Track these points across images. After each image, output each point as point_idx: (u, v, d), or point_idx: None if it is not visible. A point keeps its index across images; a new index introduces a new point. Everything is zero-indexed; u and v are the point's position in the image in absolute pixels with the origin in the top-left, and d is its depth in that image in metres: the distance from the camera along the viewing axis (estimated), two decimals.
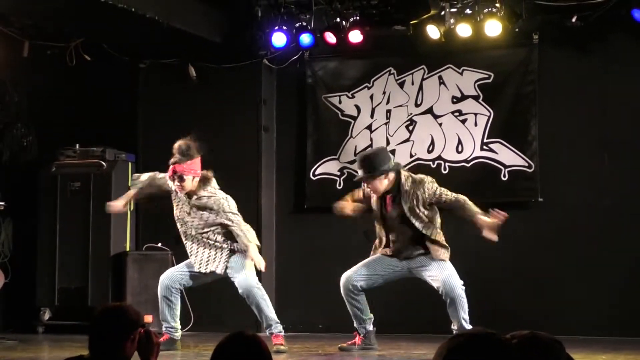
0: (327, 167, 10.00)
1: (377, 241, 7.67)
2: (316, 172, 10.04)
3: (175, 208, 7.75)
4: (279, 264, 10.11)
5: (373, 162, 7.42)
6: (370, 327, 7.66)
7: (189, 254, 7.73)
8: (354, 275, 7.54)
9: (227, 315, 9.38)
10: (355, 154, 9.62)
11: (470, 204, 7.31)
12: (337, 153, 9.99)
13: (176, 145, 7.59)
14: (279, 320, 7.69)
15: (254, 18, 9.86)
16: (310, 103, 10.16)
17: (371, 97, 9.90)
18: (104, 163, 9.95)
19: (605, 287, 9.01)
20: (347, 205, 7.70)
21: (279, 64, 10.20)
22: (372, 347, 7.65)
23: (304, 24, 9.62)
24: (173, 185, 7.63)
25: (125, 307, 4.03)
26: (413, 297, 8.92)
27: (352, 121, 9.97)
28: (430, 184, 7.42)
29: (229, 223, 7.58)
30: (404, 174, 7.49)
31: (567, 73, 9.37)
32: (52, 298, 9.87)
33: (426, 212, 7.38)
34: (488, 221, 7.23)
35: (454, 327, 7.38)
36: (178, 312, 7.74)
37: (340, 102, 10.04)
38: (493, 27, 9.07)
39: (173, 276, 7.75)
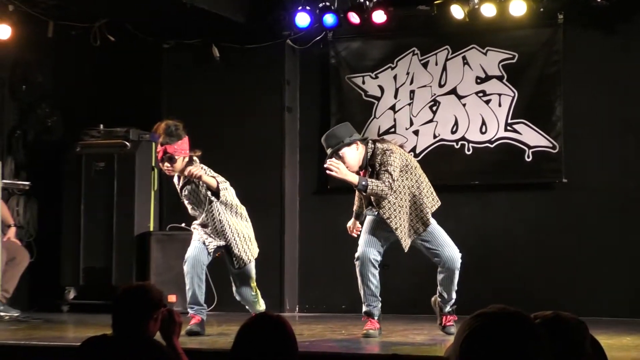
0: None
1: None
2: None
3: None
4: (302, 244, 10.12)
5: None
6: None
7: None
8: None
9: None
10: (378, 135, 9.60)
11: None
12: (361, 133, 9.90)
13: (162, 125, 7.03)
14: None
15: None
16: (333, 84, 10.14)
17: (395, 77, 9.86)
18: (127, 143, 9.97)
19: (630, 268, 8.96)
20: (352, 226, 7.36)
21: (303, 44, 10.18)
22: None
23: (328, 4, 9.58)
24: (162, 168, 7.15)
25: (147, 286, 4.05)
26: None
27: (376, 102, 9.94)
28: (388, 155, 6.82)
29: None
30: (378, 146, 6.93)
31: (592, 53, 9.29)
32: (77, 277, 9.92)
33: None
34: None
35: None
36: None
37: (363, 82, 10.00)
38: (518, 7, 9.02)
39: None
